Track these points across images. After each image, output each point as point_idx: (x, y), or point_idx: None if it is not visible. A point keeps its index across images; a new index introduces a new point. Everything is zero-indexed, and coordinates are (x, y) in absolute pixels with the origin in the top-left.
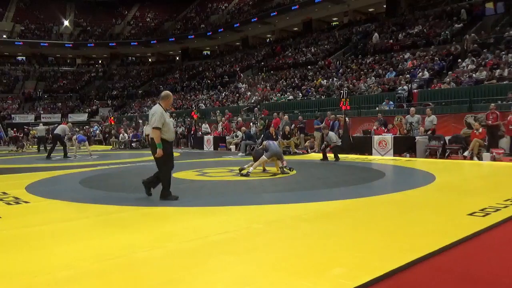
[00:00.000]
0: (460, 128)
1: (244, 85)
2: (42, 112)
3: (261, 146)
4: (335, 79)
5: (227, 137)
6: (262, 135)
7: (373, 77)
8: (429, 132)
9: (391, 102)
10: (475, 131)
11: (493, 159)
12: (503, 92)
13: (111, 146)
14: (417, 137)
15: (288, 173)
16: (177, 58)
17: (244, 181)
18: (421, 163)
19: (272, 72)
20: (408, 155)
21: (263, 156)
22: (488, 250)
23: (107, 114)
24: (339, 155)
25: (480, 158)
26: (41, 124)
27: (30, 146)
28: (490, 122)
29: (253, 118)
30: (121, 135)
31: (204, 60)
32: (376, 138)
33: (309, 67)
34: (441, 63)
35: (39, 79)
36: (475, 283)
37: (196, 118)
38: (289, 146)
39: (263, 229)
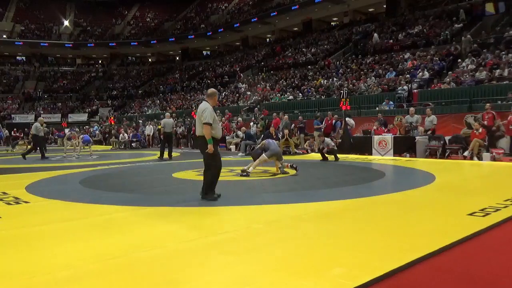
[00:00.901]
0: (460, 128)
1: (244, 85)
2: (42, 112)
3: (259, 146)
4: (335, 79)
5: (227, 137)
6: (262, 135)
7: (373, 77)
8: (429, 132)
9: (391, 102)
10: (475, 131)
11: (493, 159)
12: (503, 92)
13: (111, 146)
14: (417, 137)
15: (288, 173)
16: (177, 58)
17: (244, 181)
18: (421, 163)
19: (272, 72)
20: (408, 155)
21: (263, 155)
22: (488, 250)
23: (107, 114)
24: (339, 155)
25: (480, 158)
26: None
27: (26, 146)
28: (485, 122)
29: (253, 118)
30: (121, 135)
31: (204, 60)
32: (376, 138)
33: (309, 67)
34: (441, 63)
35: (39, 79)
36: (475, 283)
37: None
38: (289, 146)
39: (263, 229)
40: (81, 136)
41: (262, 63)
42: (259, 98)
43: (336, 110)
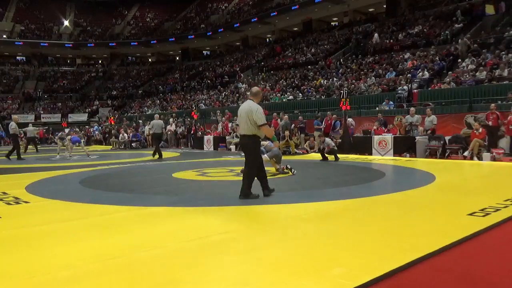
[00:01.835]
0: (460, 128)
1: (244, 85)
2: (42, 112)
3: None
4: (335, 79)
5: (227, 137)
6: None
7: (373, 77)
8: (428, 132)
9: (391, 102)
10: (475, 131)
11: (493, 159)
12: (503, 92)
13: (111, 146)
14: (417, 137)
15: (288, 173)
16: (177, 58)
17: None
18: (421, 163)
19: (272, 72)
20: (408, 155)
21: (265, 155)
22: (488, 250)
23: (107, 114)
24: (339, 155)
25: (480, 158)
26: (30, 124)
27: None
28: (490, 123)
29: None
30: (121, 135)
31: (204, 60)
32: (376, 138)
33: (309, 67)
34: (441, 63)
35: (39, 79)
36: (475, 283)
37: (196, 118)
38: (289, 146)
39: (263, 229)
40: (69, 137)
41: (262, 63)
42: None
43: (336, 110)
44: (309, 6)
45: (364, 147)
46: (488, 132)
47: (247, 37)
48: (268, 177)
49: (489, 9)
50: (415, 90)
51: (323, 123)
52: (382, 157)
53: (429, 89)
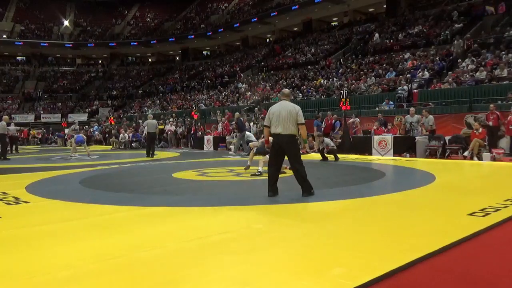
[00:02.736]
0: (460, 128)
1: (244, 85)
2: (42, 112)
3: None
4: (335, 79)
5: (227, 137)
6: (263, 135)
7: (373, 77)
8: (426, 132)
9: (391, 102)
10: (475, 131)
11: (493, 159)
12: (503, 92)
13: (111, 146)
14: (417, 137)
15: (285, 173)
16: (177, 58)
17: (244, 181)
18: (421, 163)
19: (272, 72)
20: (408, 155)
21: (267, 155)
22: (488, 250)
23: (107, 114)
24: (339, 155)
25: (480, 158)
26: (12, 124)
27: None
28: (491, 123)
29: (253, 118)
30: (121, 135)
31: (204, 60)
32: (376, 138)
33: (309, 67)
34: (441, 63)
35: (39, 79)
36: (475, 283)
37: (196, 118)
38: None
39: (263, 229)
40: (75, 137)
41: (262, 63)
42: (259, 98)
43: (336, 110)
44: (309, 6)
45: (364, 147)
46: (488, 132)
47: (247, 37)
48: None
49: (490, 9)
50: (415, 90)
51: (323, 123)
52: (382, 157)
53: (429, 89)
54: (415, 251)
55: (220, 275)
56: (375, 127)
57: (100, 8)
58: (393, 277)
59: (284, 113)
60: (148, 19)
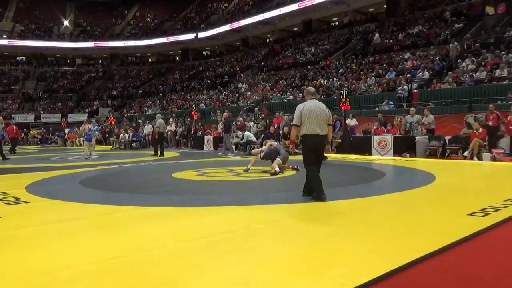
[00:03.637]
0: (460, 128)
1: (244, 85)
2: (42, 112)
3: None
4: (335, 79)
5: None
6: (263, 135)
7: (373, 77)
8: (425, 131)
9: (391, 102)
10: (475, 131)
11: (493, 159)
12: (503, 92)
13: (111, 146)
14: (417, 137)
15: (282, 173)
16: (177, 58)
17: (244, 181)
18: (421, 163)
19: (272, 72)
20: (408, 155)
21: (278, 159)
22: (488, 250)
23: (107, 114)
24: (339, 155)
25: (480, 158)
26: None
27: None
28: (490, 123)
29: (253, 118)
30: (121, 135)
31: (204, 60)
32: (376, 138)
33: (309, 67)
34: (441, 63)
35: (39, 79)
36: (475, 283)
37: (196, 118)
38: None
39: (263, 229)
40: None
41: (262, 63)
42: (259, 98)
43: (336, 110)
44: (309, 6)
45: (364, 147)
46: (488, 132)
47: (247, 37)
48: (268, 177)
49: (490, 9)
50: (415, 90)
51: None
52: (382, 157)
53: (429, 89)
54: (415, 251)
55: (220, 275)
56: (375, 127)
57: (100, 8)
58: (393, 277)
59: (321, 113)
60: (148, 19)
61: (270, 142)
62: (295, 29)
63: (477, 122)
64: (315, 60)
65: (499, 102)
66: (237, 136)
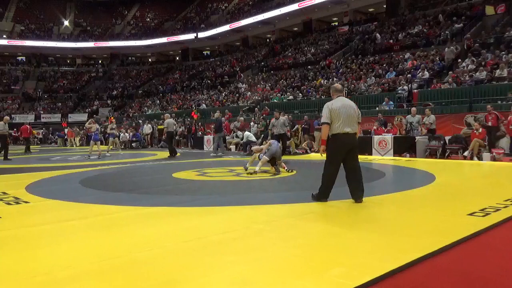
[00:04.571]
0: (460, 128)
1: (244, 85)
2: (42, 112)
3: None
4: (335, 79)
5: (227, 137)
6: (262, 135)
7: (373, 77)
8: (426, 131)
9: (391, 102)
10: (475, 131)
11: (493, 159)
12: (503, 92)
13: (111, 146)
14: (417, 137)
15: (280, 173)
16: (177, 58)
17: (244, 181)
18: (421, 163)
19: (272, 72)
20: (408, 155)
21: (264, 156)
22: (488, 250)
23: (107, 114)
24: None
25: (480, 158)
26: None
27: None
28: (490, 123)
29: (253, 118)
30: (121, 135)
31: (204, 60)
32: (376, 138)
33: (309, 67)
34: (441, 63)
35: (39, 79)
36: (475, 283)
37: (196, 118)
38: (289, 146)
39: (263, 229)
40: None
41: (262, 63)
42: (259, 98)
43: None
44: (309, 6)
45: (364, 147)
46: (488, 132)
47: (247, 37)
48: (268, 177)
49: (489, 10)
50: (415, 90)
51: None
52: (382, 157)
53: (429, 89)
54: (415, 251)
55: (220, 275)
56: (375, 127)
57: (100, 8)
58: (393, 277)
59: (350, 111)
60: (148, 19)
61: (269, 141)
62: (295, 29)
63: (477, 122)
64: (315, 60)
65: (499, 102)
66: (237, 136)
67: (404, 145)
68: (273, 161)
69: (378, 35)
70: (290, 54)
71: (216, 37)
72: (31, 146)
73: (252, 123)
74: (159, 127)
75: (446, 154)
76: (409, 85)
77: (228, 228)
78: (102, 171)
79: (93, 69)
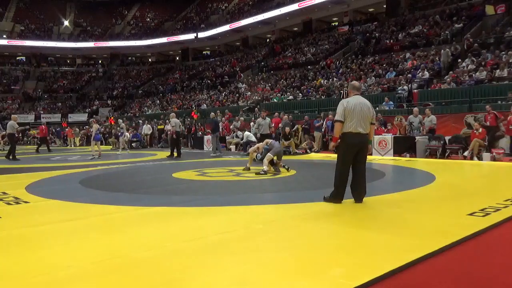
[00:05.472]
0: (460, 128)
1: (244, 85)
2: (42, 112)
3: (263, 144)
4: (335, 79)
5: (227, 137)
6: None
7: (373, 77)
8: (427, 131)
9: (391, 102)
10: (475, 131)
11: (493, 159)
12: (503, 92)
13: (111, 146)
14: (417, 137)
15: (281, 172)
16: (177, 58)
17: (244, 181)
18: (421, 163)
19: (272, 72)
20: (408, 155)
21: (268, 153)
22: (488, 250)
23: (107, 114)
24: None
25: (480, 158)
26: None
27: (3, 146)
28: (488, 123)
29: (253, 118)
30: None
31: (204, 60)
32: (376, 138)
33: (309, 67)
34: (441, 63)
35: (39, 79)
36: (475, 283)
37: (196, 118)
38: (289, 146)
39: (263, 229)
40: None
41: (262, 63)
42: (259, 98)
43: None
44: (309, 6)
45: None
46: (488, 132)
47: (247, 37)
48: (268, 177)
49: (489, 10)
50: (415, 90)
51: (324, 122)
52: (382, 157)
53: (429, 89)
54: (415, 251)
55: (220, 275)
56: (375, 127)
57: (100, 8)
58: (393, 277)
59: (365, 110)
60: (148, 19)
61: (266, 140)
62: (295, 29)
63: (477, 122)
64: (315, 60)
65: (499, 102)
66: (237, 136)
67: (404, 145)
68: (272, 161)
69: (378, 35)
70: (290, 54)
71: (216, 37)
72: (40, 147)
73: (252, 123)
74: (159, 127)
75: (446, 154)
76: (409, 85)
77: (228, 228)
78: (102, 171)
79: (93, 69)
